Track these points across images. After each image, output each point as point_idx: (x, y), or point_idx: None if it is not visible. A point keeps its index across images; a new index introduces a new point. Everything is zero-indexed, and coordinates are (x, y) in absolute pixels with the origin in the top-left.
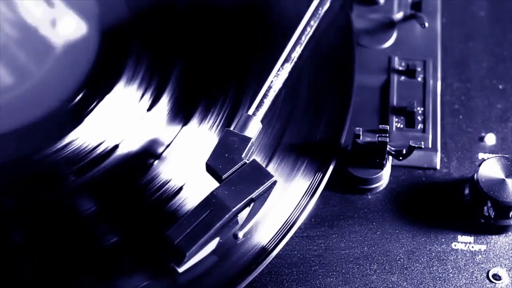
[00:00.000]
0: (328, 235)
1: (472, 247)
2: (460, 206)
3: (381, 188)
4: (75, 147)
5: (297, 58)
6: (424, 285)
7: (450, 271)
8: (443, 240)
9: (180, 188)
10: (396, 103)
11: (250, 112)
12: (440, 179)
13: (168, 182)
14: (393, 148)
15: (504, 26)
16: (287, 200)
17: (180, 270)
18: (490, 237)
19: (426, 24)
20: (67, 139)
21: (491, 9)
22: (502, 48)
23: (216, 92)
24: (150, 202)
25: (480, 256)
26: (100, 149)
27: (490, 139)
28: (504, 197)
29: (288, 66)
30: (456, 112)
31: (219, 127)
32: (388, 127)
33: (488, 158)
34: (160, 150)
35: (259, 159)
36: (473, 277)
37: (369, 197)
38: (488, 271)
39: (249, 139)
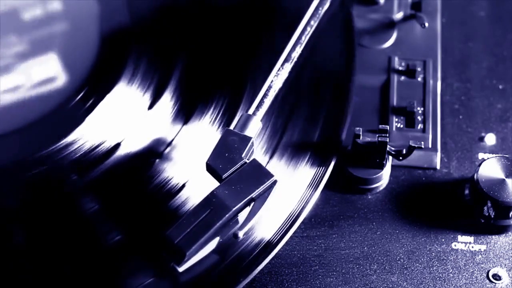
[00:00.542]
0: (328, 235)
1: (472, 247)
2: (460, 206)
3: (381, 188)
4: (77, 147)
5: (297, 58)
6: (424, 285)
7: (450, 271)
8: (443, 240)
9: (182, 187)
10: (396, 103)
11: (250, 111)
12: (440, 179)
13: (170, 180)
14: (393, 148)
15: (504, 26)
16: (287, 199)
17: (180, 269)
18: (490, 237)
19: (426, 24)
20: (68, 139)
21: (491, 9)
22: (502, 48)
23: (216, 91)
24: (152, 200)
25: (480, 256)
26: (101, 149)
27: (490, 139)
28: (504, 197)
29: (288, 66)
30: (456, 112)
31: (219, 126)
32: (388, 127)
33: (488, 158)
34: (161, 148)
35: (259, 158)
36: (473, 277)
37: (369, 197)
38: (488, 271)
39: (249, 138)
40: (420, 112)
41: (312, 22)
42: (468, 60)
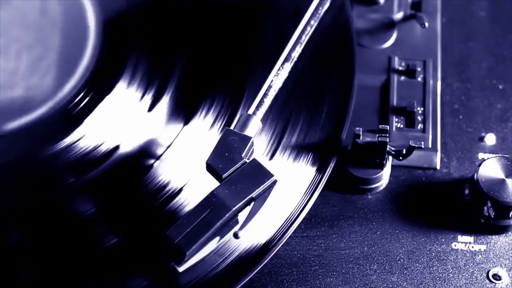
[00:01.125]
0: (328, 235)
1: (472, 247)
2: (460, 206)
3: (381, 188)
4: (75, 148)
5: (297, 57)
6: (424, 285)
7: (450, 271)
8: (443, 240)
9: (181, 188)
10: (396, 103)
11: (250, 111)
12: (440, 179)
13: (169, 182)
14: (393, 148)
15: (504, 26)
16: (287, 199)
17: (180, 269)
18: (490, 237)
19: (426, 24)
20: (67, 140)
21: (491, 9)
22: (502, 48)
23: (216, 91)
24: (151, 202)
25: (480, 256)
26: (100, 150)
27: (490, 139)
28: (504, 197)
29: (288, 66)
30: (456, 112)
31: (219, 126)
32: (388, 127)
33: (488, 158)
34: (161, 150)
35: (259, 158)
36: (473, 277)
37: (369, 197)
38: (488, 271)
39: (249, 138)
40: (420, 112)
41: (312, 22)
42: (468, 60)
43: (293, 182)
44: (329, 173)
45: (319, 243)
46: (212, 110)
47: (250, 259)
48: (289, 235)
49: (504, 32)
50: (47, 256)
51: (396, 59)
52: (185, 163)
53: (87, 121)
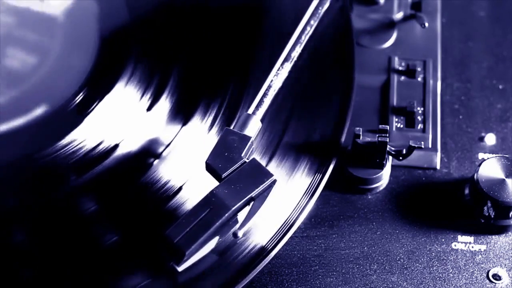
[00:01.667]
0: (328, 235)
1: (472, 247)
2: (460, 206)
3: (381, 188)
4: (75, 147)
5: (297, 57)
6: (424, 285)
7: (450, 271)
8: (443, 240)
9: (180, 188)
10: (396, 103)
11: (250, 111)
12: (440, 179)
13: (168, 181)
14: (393, 148)
15: (504, 26)
16: (287, 199)
17: (180, 269)
18: (490, 237)
19: (426, 24)
20: (67, 139)
21: (491, 9)
22: (502, 48)
23: (216, 91)
24: (150, 201)
25: (480, 256)
26: (100, 149)
27: (490, 139)
28: (504, 197)
29: (288, 66)
30: (456, 112)
31: (219, 126)
32: (388, 127)
33: (488, 158)
34: (160, 149)
35: (259, 158)
36: (473, 277)
37: (369, 197)
38: (488, 271)
39: (248, 138)
40: (420, 112)
41: (312, 22)
42: (468, 60)
43: (293, 182)
44: (329, 173)
45: (319, 243)
46: (211, 110)
47: (250, 259)
48: (290, 235)
49: (504, 32)
50: (48, 255)
51: (396, 59)
52: (184, 162)
53: (87, 120)
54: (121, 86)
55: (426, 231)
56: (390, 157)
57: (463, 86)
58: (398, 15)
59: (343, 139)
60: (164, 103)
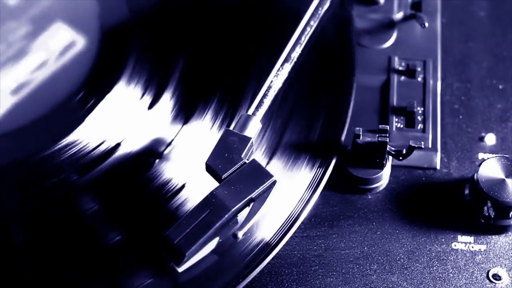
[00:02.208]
0: (328, 235)
1: (472, 247)
2: (460, 206)
3: (381, 188)
4: (77, 147)
5: (297, 58)
6: (424, 285)
7: (450, 271)
8: (443, 240)
9: (182, 187)
10: (396, 103)
11: (250, 112)
12: (440, 179)
13: (170, 180)
14: (393, 148)
15: (504, 26)
16: (287, 199)
17: (180, 270)
18: (490, 237)
19: (426, 24)
20: (68, 139)
21: (491, 9)
22: (502, 48)
23: (216, 91)
24: (151, 201)
25: (480, 256)
26: (101, 149)
27: (490, 139)
28: (504, 197)
29: (288, 66)
30: (456, 112)
31: (219, 126)
32: (388, 127)
33: (488, 158)
34: (161, 149)
35: (259, 158)
36: (473, 277)
37: (369, 197)
38: (488, 271)
39: (248, 139)
40: (420, 112)
41: (312, 22)
42: (468, 60)
43: (293, 182)
44: (329, 173)
45: (319, 243)
46: (212, 110)
47: (250, 260)
48: (290, 235)
49: (504, 32)
50: (49, 255)
51: (396, 59)
52: (186, 160)
53: (88, 119)
54: (122, 85)
55: (426, 231)
56: (390, 157)
57: (463, 86)
58: (398, 15)
59: (343, 139)
60: (165, 102)
